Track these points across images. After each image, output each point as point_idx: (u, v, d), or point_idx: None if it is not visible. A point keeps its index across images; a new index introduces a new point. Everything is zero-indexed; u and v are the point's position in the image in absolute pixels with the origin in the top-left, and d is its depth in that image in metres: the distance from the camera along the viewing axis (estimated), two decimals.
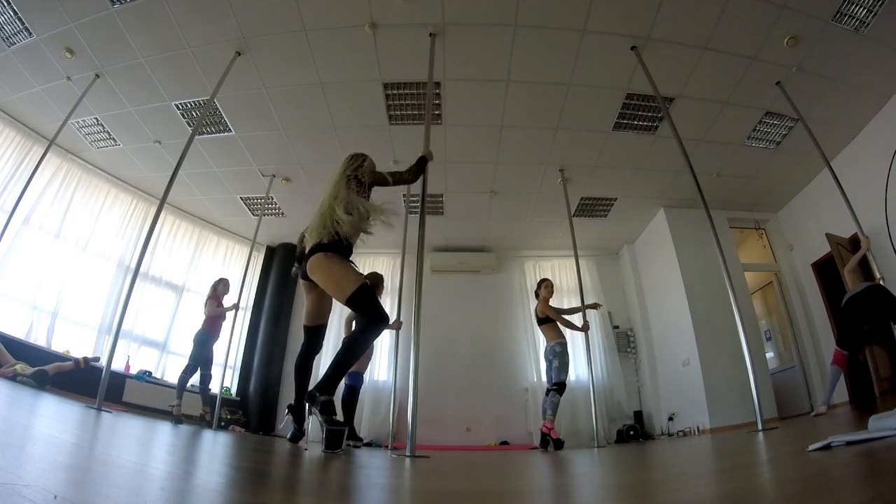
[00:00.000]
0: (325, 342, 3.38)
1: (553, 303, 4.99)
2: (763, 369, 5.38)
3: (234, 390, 6.64)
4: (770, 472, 1.18)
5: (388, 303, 7.16)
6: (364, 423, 6.31)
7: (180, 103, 4.78)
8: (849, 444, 1.26)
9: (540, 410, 6.25)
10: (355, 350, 2.26)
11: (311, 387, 2.37)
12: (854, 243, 4.44)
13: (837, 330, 4.11)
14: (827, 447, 1.26)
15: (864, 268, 4.16)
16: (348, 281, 2.26)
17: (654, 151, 5.30)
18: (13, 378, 4.01)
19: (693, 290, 5.76)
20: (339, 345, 2.34)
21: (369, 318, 2.24)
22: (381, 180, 2.70)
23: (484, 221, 6.75)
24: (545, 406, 4.55)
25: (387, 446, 5.01)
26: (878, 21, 3.75)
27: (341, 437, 2.30)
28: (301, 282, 2.85)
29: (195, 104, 4.77)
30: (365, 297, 2.24)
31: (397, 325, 4.86)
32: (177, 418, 4.43)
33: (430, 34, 3.91)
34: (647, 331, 6.76)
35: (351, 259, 2.41)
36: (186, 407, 4.67)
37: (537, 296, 4.87)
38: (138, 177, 6.00)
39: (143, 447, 1.65)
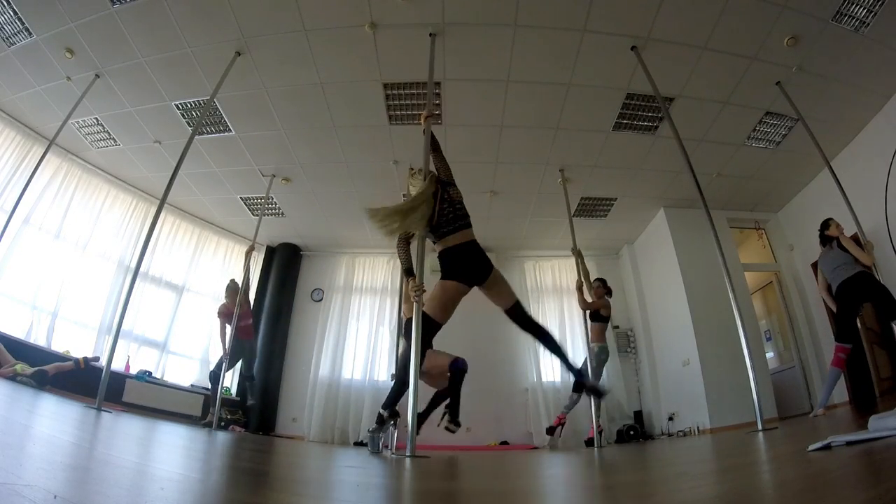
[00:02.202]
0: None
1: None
2: (763, 369, 5.37)
3: (234, 390, 6.63)
4: (770, 472, 1.18)
5: (388, 303, 7.18)
6: (364, 423, 6.31)
7: (180, 103, 4.78)
8: (849, 444, 1.26)
9: (540, 410, 6.30)
10: None
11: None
12: (854, 243, 4.42)
13: (836, 322, 4.05)
14: (827, 447, 1.26)
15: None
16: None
17: (654, 151, 5.30)
18: (13, 378, 4.01)
19: (693, 290, 5.76)
20: None
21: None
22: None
23: (484, 221, 6.73)
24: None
25: (387, 446, 5.00)
26: (878, 21, 3.74)
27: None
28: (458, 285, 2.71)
29: (195, 104, 4.77)
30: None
31: None
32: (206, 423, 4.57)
33: (430, 34, 3.91)
34: (647, 331, 6.76)
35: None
36: (188, 407, 4.69)
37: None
38: (138, 177, 6.00)
39: (143, 447, 1.65)
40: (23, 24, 3.99)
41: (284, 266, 7.40)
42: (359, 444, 6.08)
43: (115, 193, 6.04)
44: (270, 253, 7.51)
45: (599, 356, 4.89)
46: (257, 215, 6.26)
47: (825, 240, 4.23)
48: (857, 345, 3.98)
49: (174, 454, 1.61)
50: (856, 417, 3.03)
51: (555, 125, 4.94)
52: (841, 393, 5.18)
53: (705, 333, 5.53)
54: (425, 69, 3.81)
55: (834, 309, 4.10)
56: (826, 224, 4.28)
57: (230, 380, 6.50)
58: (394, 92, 4.56)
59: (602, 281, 5.22)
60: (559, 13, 3.76)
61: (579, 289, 4.98)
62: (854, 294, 3.87)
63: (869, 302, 3.87)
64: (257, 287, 7.26)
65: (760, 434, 2.84)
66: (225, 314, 5.20)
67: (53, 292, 5.20)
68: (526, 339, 6.90)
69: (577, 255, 5.12)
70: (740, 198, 6.13)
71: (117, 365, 5.19)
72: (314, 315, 7.14)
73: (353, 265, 7.46)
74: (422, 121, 3.14)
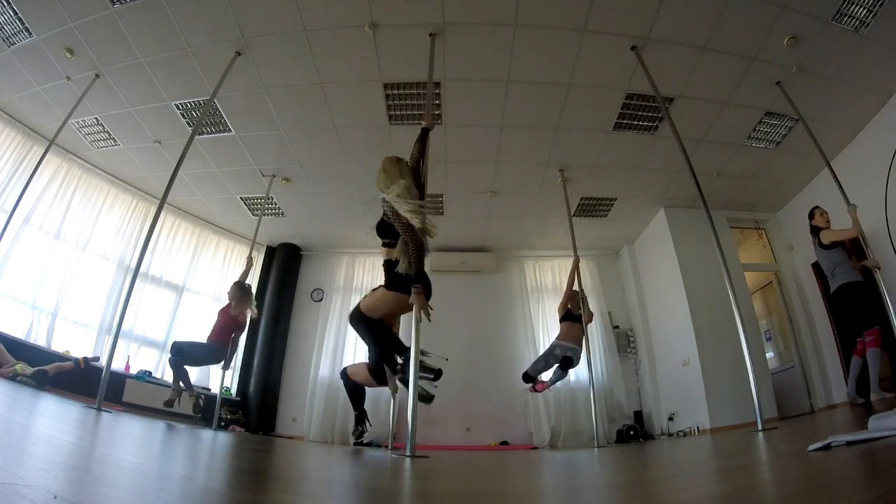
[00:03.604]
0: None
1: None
2: (763, 369, 5.37)
3: (234, 390, 6.63)
4: (770, 472, 1.18)
5: None
6: None
7: (180, 103, 4.78)
8: (849, 444, 1.26)
9: (540, 410, 6.31)
10: None
11: None
12: (854, 243, 4.44)
13: (852, 319, 4.11)
14: (827, 447, 1.26)
15: (859, 252, 4.18)
16: None
17: (654, 151, 5.30)
18: (13, 378, 4.01)
19: (693, 290, 5.75)
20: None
21: None
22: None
23: (484, 221, 6.74)
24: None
25: (387, 446, 5.01)
26: (878, 21, 3.74)
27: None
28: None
29: (195, 104, 4.77)
30: None
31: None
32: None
33: (430, 34, 3.91)
34: (647, 331, 6.75)
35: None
36: (187, 407, 4.69)
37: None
38: (138, 177, 6.00)
39: (143, 447, 1.65)
40: (23, 24, 3.99)
41: (284, 266, 7.40)
42: (359, 444, 6.08)
43: (115, 193, 6.04)
44: (270, 253, 7.51)
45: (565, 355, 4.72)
46: (257, 215, 6.26)
47: (813, 230, 4.32)
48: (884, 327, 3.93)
49: (174, 454, 1.61)
50: (856, 417, 3.03)
51: (555, 125, 4.94)
52: (841, 393, 5.18)
53: (705, 333, 5.53)
54: (425, 69, 3.82)
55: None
56: (811, 213, 4.36)
57: (230, 379, 6.50)
58: (394, 92, 4.56)
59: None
60: (559, 13, 3.76)
61: (580, 298, 4.93)
62: (842, 306, 4.04)
63: (855, 313, 3.97)
64: (257, 287, 7.26)
65: (760, 434, 2.84)
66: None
67: (53, 292, 5.19)
68: (526, 339, 6.91)
69: (576, 265, 5.10)
70: (740, 198, 6.13)
71: (117, 365, 5.19)
72: (314, 315, 7.14)
73: (353, 265, 7.46)
74: (427, 122, 3.16)
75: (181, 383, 4.44)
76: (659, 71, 4.10)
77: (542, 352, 5.07)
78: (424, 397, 2.82)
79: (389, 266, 2.68)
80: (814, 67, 4.21)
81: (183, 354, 4.43)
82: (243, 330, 4.96)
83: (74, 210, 5.54)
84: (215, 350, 4.62)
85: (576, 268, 5.09)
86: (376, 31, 3.92)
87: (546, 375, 5.00)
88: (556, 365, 4.77)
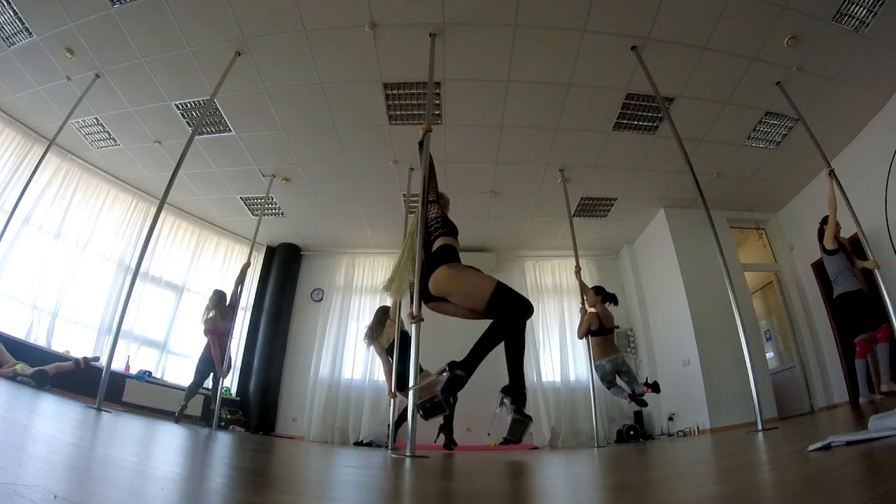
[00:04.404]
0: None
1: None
2: (763, 369, 5.37)
3: (234, 390, 6.64)
4: (770, 472, 1.18)
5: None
6: (364, 423, 6.31)
7: (180, 103, 4.78)
8: (849, 444, 1.26)
9: (540, 410, 6.31)
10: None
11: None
12: (854, 243, 4.44)
13: (851, 325, 4.22)
14: (827, 447, 1.26)
15: (859, 252, 4.21)
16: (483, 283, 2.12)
17: (654, 151, 5.30)
18: (13, 378, 4.01)
19: (693, 290, 5.75)
20: None
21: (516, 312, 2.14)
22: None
23: (484, 221, 6.74)
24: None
25: (387, 446, 5.01)
26: (878, 21, 3.75)
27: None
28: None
29: (195, 104, 4.77)
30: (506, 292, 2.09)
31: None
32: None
33: (430, 34, 3.91)
34: (647, 331, 6.75)
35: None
36: (188, 407, 4.75)
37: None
38: (138, 177, 6.00)
39: (143, 447, 1.65)
40: (23, 24, 3.99)
41: (284, 266, 7.40)
42: (359, 443, 6.09)
43: (115, 193, 6.04)
44: (270, 253, 7.51)
45: (618, 365, 4.73)
46: (257, 215, 6.26)
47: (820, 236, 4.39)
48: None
49: (174, 454, 1.62)
50: (856, 417, 3.03)
51: (555, 125, 4.94)
52: (841, 393, 5.18)
53: (705, 333, 5.53)
54: (425, 69, 3.81)
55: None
56: (824, 219, 4.42)
57: (230, 379, 6.50)
58: (394, 92, 4.56)
59: (599, 288, 4.87)
60: (559, 13, 3.76)
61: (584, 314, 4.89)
62: (841, 314, 4.17)
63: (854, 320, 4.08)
64: (257, 287, 7.26)
65: (760, 434, 2.84)
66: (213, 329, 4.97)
67: (53, 292, 5.20)
68: (526, 339, 6.91)
69: (578, 273, 5.11)
70: (740, 198, 6.13)
71: (117, 365, 5.19)
72: (314, 315, 7.14)
73: (353, 265, 7.46)
74: (420, 133, 2.82)
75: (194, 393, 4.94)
76: (659, 71, 4.10)
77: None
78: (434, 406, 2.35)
79: None
80: (814, 67, 4.21)
81: (196, 376, 4.93)
82: (222, 335, 5.00)
83: (74, 210, 5.55)
84: (205, 359, 4.92)
85: (577, 276, 5.10)
86: (376, 31, 3.92)
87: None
88: (616, 376, 4.80)
